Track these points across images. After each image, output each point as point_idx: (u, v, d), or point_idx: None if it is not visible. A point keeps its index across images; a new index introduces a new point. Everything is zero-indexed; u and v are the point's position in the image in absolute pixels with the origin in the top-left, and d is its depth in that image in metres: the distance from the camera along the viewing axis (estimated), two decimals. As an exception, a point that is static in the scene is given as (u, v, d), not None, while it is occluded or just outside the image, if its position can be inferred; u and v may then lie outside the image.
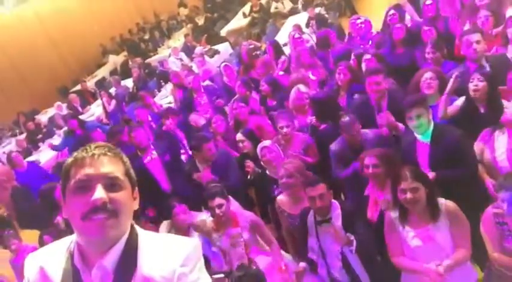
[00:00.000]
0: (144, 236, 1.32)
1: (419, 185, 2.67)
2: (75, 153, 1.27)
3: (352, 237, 2.95)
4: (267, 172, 3.97)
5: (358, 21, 6.02)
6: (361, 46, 5.69)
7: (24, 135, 10.44)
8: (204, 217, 3.74)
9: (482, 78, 3.46)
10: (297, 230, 3.39)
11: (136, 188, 1.33)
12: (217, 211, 3.32)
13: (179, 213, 3.72)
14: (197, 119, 5.46)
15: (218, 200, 3.32)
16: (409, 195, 2.66)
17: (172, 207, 3.73)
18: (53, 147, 8.01)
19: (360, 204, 3.39)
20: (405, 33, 5.15)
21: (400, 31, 5.14)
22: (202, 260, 1.34)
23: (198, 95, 6.44)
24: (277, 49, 6.61)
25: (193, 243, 1.34)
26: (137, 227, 1.33)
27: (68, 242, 1.32)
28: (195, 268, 1.28)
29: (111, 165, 1.24)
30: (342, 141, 3.83)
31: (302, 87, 4.64)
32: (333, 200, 3.16)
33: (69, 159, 1.27)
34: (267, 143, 3.97)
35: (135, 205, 1.32)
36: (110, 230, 1.20)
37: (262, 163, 3.95)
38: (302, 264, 3.21)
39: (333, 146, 3.88)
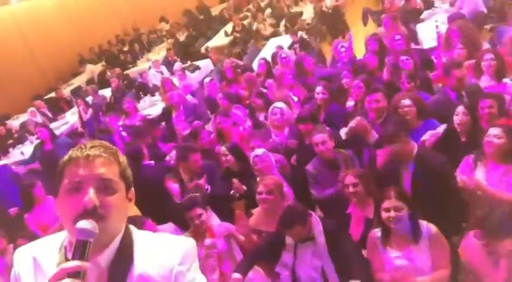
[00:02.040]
0: (140, 235, 1.32)
1: (403, 204, 2.74)
2: (70, 152, 1.26)
3: None
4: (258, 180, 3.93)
5: (339, 45, 6.25)
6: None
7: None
8: (168, 229, 3.71)
9: (467, 113, 3.60)
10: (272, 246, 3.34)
11: (132, 189, 1.33)
12: (197, 221, 3.26)
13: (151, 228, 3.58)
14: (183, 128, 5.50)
15: (197, 210, 3.27)
16: (392, 213, 2.73)
17: (143, 223, 3.57)
18: (20, 163, 7.51)
19: (340, 222, 3.41)
20: (378, 61, 5.46)
21: (372, 60, 5.49)
22: (197, 260, 1.34)
23: (176, 111, 6.44)
24: (269, 67, 6.75)
25: (190, 242, 1.34)
26: (132, 227, 1.33)
27: (61, 237, 1.31)
28: (191, 267, 1.29)
29: (105, 167, 1.23)
30: (318, 162, 3.90)
31: (279, 104, 4.76)
32: (313, 216, 3.15)
33: (65, 157, 1.26)
34: (259, 152, 3.95)
35: (130, 206, 1.32)
36: (100, 233, 1.19)
37: (255, 172, 3.95)
38: (235, 275, 3.08)
39: (309, 167, 3.93)
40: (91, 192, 1.18)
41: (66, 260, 1.24)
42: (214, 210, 3.54)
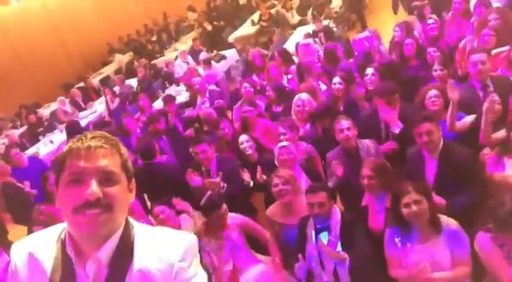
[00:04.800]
0: (140, 229, 1.30)
1: (422, 197, 2.66)
2: (70, 143, 1.24)
3: (346, 256, 2.93)
4: None
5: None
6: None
7: (23, 129, 10.44)
8: (187, 219, 3.72)
9: (500, 101, 3.46)
10: (295, 238, 3.34)
11: (133, 180, 1.30)
12: (226, 216, 3.31)
13: (159, 214, 3.64)
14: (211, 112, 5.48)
15: (223, 207, 3.32)
16: (414, 207, 2.64)
17: (151, 208, 3.68)
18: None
19: (357, 214, 3.37)
20: (416, 48, 5.18)
21: (411, 47, 5.18)
22: (198, 256, 1.32)
23: (201, 98, 6.44)
24: (285, 57, 6.64)
25: (191, 238, 1.32)
26: (132, 220, 1.31)
27: (59, 230, 1.29)
28: (192, 263, 1.27)
29: (106, 159, 1.21)
30: (339, 151, 3.85)
31: (303, 95, 4.68)
32: (335, 206, 3.16)
33: (65, 149, 1.23)
34: (286, 143, 3.91)
35: (131, 197, 1.30)
36: (103, 225, 1.17)
37: (276, 162, 3.89)
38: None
39: (330, 154, 3.91)
40: (93, 185, 1.16)
41: (65, 254, 1.23)
42: (231, 206, 3.49)
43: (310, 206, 3.09)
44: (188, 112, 6.43)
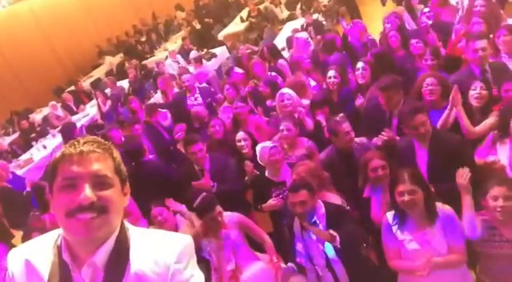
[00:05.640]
0: (135, 232, 1.30)
1: (417, 188, 2.67)
2: (63, 148, 1.24)
3: (335, 234, 2.90)
4: (266, 174, 3.89)
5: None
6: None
7: (16, 135, 10.38)
8: (183, 220, 3.73)
9: (485, 87, 3.48)
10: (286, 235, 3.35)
11: (127, 184, 1.31)
12: (220, 219, 3.29)
13: (157, 216, 3.67)
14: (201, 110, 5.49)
15: (217, 209, 3.29)
16: (406, 197, 2.66)
17: (150, 209, 3.68)
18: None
19: (353, 205, 3.38)
20: (401, 40, 5.22)
21: (395, 39, 5.25)
22: (195, 257, 1.32)
23: (191, 95, 6.43)
24: (273, 52, 6.64)
25: (186, 239, 1.32)
26: (127, 223, 1.31)
27: (55, 236, 1.29)
28: (188, 265, 1.27)
29: (99, 163, 1.21)
30: (331, 150, 3.81)
31: (285, 90, 4.66)
32: (318, 201, 3.13)
33: (58, 155, 1.24)
34: (270, 143, 3.89)
35: (126, 201, 1.30)
36: (98, 229, 1.18)
37: (262, 163, 3.88)
38: (290, 264, 3.19)
39: (322, 155, 3.87)
40: (86, 189, 1.16)
41: (62, 260, 1.23)
42: (226, 202, 3.49)
43: (292, 205, 3.05)
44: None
